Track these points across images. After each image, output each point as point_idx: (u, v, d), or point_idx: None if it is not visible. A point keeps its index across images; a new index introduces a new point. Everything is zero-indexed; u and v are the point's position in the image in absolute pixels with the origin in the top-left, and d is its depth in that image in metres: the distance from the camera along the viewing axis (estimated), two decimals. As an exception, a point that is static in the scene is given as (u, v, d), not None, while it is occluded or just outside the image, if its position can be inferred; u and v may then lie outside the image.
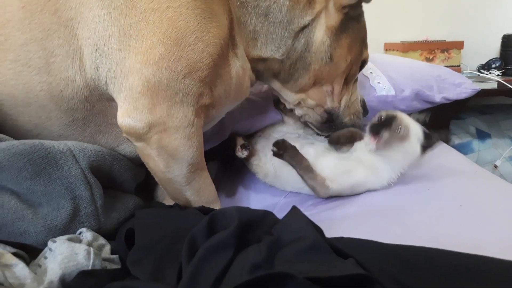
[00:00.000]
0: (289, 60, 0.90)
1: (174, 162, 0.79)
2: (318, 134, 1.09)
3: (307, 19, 0.87)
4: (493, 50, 2.24)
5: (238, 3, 0.83)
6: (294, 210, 0.67)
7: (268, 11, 0.84)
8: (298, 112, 1.05)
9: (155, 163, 0.79)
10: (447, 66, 1.88)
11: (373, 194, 0.96)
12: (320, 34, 0.88)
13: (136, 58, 0.71)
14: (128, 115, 0.73)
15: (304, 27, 0.87)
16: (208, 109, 0.81)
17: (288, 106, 1.06)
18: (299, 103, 1.01)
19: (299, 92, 0.98)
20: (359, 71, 1.04)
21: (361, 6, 0.92)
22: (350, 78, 1.00)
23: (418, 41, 2.12)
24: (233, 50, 0.83)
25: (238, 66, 0.84)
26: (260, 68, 0.93)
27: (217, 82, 0.80)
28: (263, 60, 0.90)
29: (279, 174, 1.04)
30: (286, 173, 1.01)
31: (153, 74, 0.71)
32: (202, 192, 0.84)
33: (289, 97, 1.00)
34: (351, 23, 0.91)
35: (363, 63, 1.03)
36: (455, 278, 0.49)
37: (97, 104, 0.80)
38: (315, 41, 0.89)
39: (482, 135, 1.98)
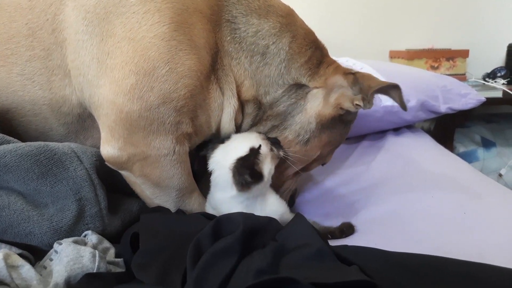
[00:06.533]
0: (269, 110, 0.84)
1: (160, 189, 0.78)
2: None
3: (304, 80, 0.82)
4: (499, 59, 2.24)
5: (228, 38, 0.78)
6: (299, 217, 0.67)
7: (265, 51, 0.79)
8: None
9: (142, 190, 0.79)
10: (452, 75, 1.88)
11: (377, 202, 0.96)
12: (311, 111, 0.83)
13: (110, 87, 0.70)
14: (107, 143, 0.73)
15: (300, 86, 0.83)
16: (191, 137, 0.79)
17: None
18: None
19: None
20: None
21: (356, 113, 0.89)
22: (302, 170, 0.93)
23: (424, 49, 2.12)
24: (217, 84, 0.78)
25: (221, 102, 0.79)
26: (247, 111, 0.85)
27: (198, 112, 0.77)
28: (251, 101, 0.83)
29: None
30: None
31: (124, 104, 0.70)
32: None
33: None
34: (339, 125, 0.88)
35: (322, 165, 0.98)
36: (459, 287, 0.49)
37: (87, 119, 0.82)
38: (303, 110, 0.83)
39: (487, 144, 1.98)
